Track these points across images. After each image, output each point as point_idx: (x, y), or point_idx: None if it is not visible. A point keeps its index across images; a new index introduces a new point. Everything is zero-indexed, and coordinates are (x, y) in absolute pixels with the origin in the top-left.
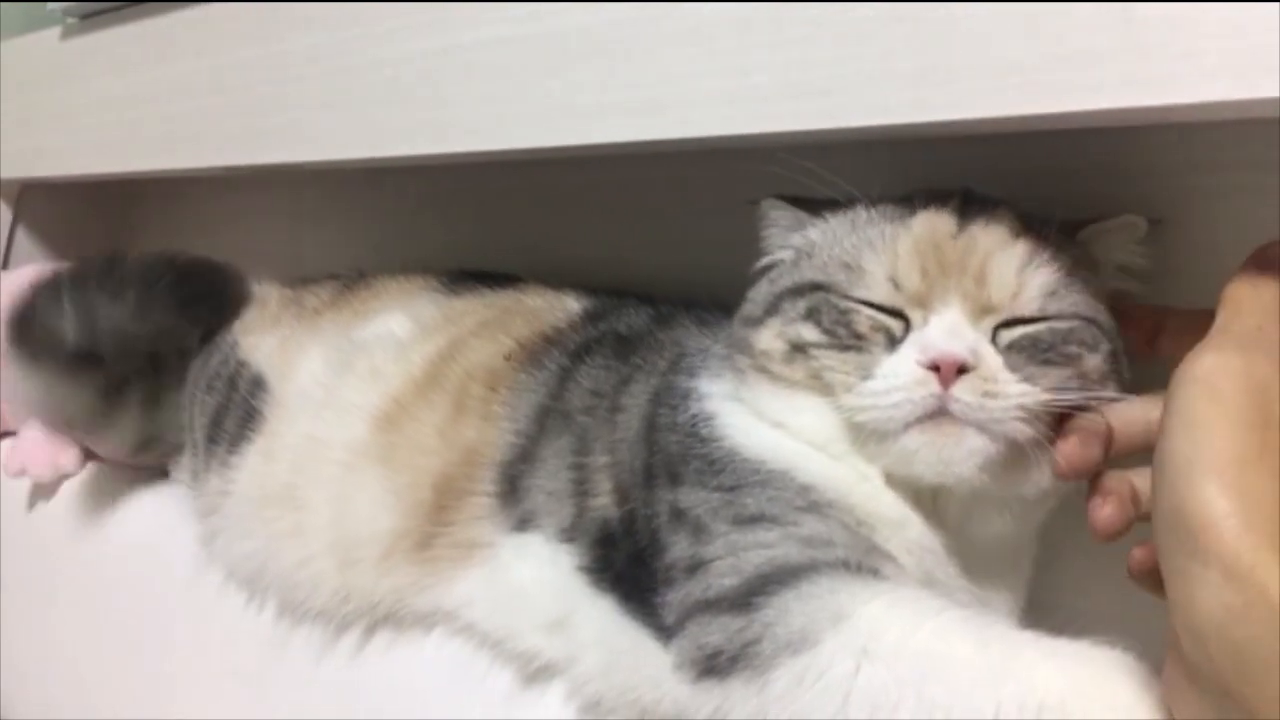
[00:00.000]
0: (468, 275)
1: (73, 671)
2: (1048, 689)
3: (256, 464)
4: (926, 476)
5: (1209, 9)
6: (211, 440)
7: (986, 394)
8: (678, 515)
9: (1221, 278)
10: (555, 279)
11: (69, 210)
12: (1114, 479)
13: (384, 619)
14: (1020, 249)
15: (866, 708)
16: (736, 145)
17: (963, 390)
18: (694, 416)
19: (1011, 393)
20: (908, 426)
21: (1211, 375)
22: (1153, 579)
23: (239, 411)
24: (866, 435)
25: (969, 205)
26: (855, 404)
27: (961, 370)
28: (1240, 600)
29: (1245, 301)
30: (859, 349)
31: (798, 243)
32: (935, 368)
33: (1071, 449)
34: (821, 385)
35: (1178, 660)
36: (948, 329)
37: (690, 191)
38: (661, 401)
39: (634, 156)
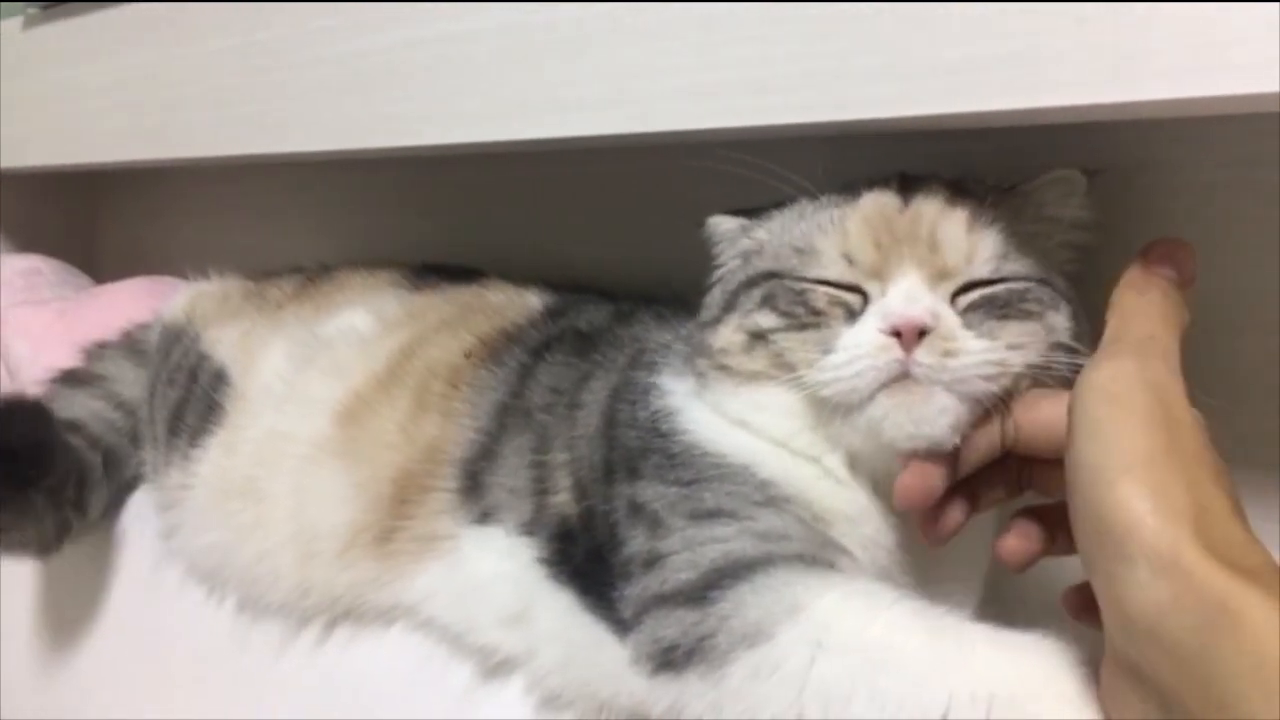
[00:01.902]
0: (431, 270)
1: (35, 670)
2: (999, 681)
3: (217, 457)
4: (899, 441)
5: (1158, 9)
6: (172, 433)
7: (947, 353)
8: (636, 510)
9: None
10: (520, 272)
11: (33, 202)
12: (1025, 512)
13: (344, 614)
14: (965, 213)
15: (821, 700)
16: (699, 140)
17: (923, 353)
18: (655, 413)
19: (972, 349)
20: (874, 394)
21: (1109, 381)
22: (1090, 616)
23: (200, 405)
24: (831, 412)
25: (907, 182)
26: (818, 379)
27: (923, 334)
28: (1169, 595)
29: (1132, 311)
30: (817, 325)
31: (746, 245)
32: (896, 333)
33: (907, 480)
34: (784, 367)
35: (1115, 665)
36: (905, 294)
37: (656, 187)
38: (621, 397)
39: (599, 151)
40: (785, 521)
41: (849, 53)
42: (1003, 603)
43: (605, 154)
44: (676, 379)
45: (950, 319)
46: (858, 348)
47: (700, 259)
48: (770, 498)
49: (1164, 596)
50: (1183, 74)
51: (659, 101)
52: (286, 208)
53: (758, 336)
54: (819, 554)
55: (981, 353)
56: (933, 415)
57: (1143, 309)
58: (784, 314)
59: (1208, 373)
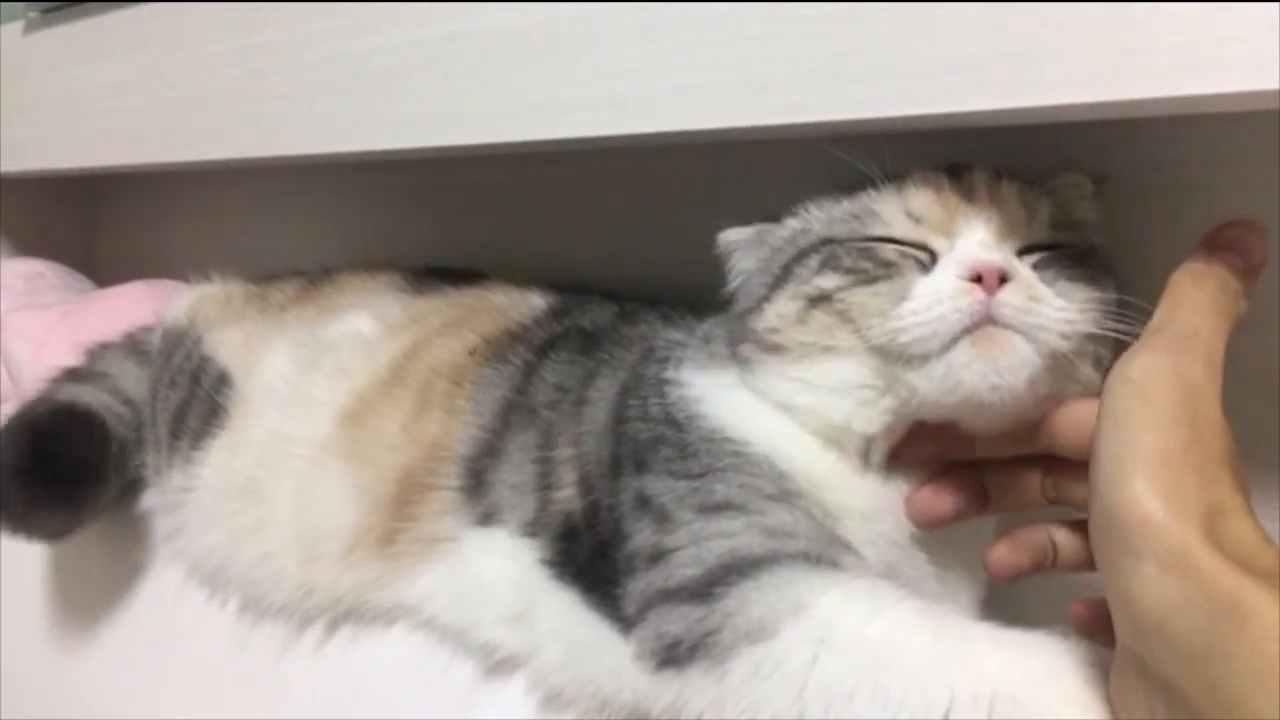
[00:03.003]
0: (432, 273)
1: (36, 670)
2: (1001, 680)
3: (220, 459)
4: (980, 391)
5: (1157, 7)
6: (174, 436)
7: (1031, 298)
8: (642, 503)
9: None
10: (522, 274)
11: (34, 205)
12: (1027, 527)
13: (346, 613)
14: (1018, 184)
15: (823, 697)
16: (700, 140)
17: (1009, 295)
18: (670, 405)
19: (1054, 301)
20: (955, 340)
21: (1142, 375)
22: (1096, 630)
23: (202, 407)
24: (905, 363)
25: (949, 167)
26: (894, 325)
27: (1003, 281)
28: (1178, 592)
29: (1184, 299)
30: (889, 277)
31: (782, 235)
32: (977, 279)
33: (923, 499)
34: (846, 326)
35: (1124, 661)
36: (980, 243)
37: (655, 187)
38: (631, 393)
39: (598, 152)
40: (794, 517)
41: (848, 52)
42: (1007, 602)
43: (605, 155)
44: (698, 372)
45: (1026, 271)
46: (937, 293)
47: (702, 259)
48: (784, 491)
49: (1172, 593)
50: (1182, 72)
51: (658, 102)
52: (287, 210)
53: (818, 300)
54: (825, 552)
55: (1062, 309)
56: (1016, 365)
57: (1194, 299)
58: (849, 271)
59: None
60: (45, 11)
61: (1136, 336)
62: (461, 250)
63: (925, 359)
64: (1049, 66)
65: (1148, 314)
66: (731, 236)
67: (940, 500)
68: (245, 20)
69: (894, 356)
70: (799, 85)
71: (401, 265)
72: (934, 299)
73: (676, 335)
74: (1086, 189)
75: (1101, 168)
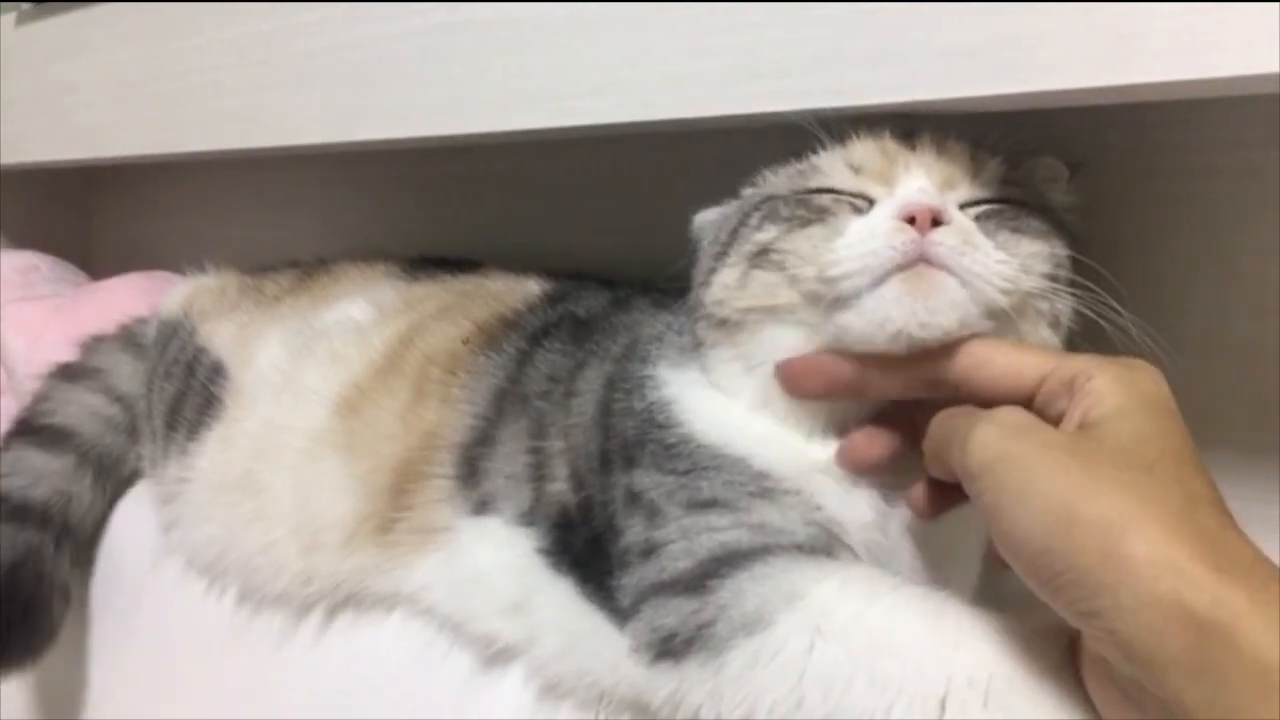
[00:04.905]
0: (428, 261)
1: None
2: (998, 663)
3: (216, 450)
4: (909, 326)
5: None
6: (170, 427)
7: (967, 243)
8: (633, 499)
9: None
10: (516, 263)
11: (28, 198)
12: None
13: (345, 599)
14: (965, 143)
15: (821, 685)
16: (693, 128)
17: (943, 235)
18: (651, 404)
19: (991, 252)
20: (886, 276)
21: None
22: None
23: (198, 398)
24: (837, 305)
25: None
26: (827, 260)
27: (937, 224)
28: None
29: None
30: (823, 221)
31: (735, 204)
32: (910, 220)
33: (857, 445)
34: (786, 284)
35: (1105, 675)
36: (917, 188)
37: (650, 176)
38: (616, 387)
39: (592, 141)
40: (781, 513)
41: (844, 37)
42: (999, 588)
43: (600, 144)
44: (672, 370)
45: (965, 220)
46: (870, 230)
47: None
48: (765, 489)
49: (1155, 620)
50: (1181, 55)
51: (654, 90)
52: (282, 202)
53: (757, 257)
54: (817, 543)
55: (1002, 261)
56: (946, 306)
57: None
58: (785, 219)
59: (1210, 354)
60: (37, 2)
61: (1088, 304)
62: (457, 240)
63: (856, 296)
64: (1046, 51)
65: (1104, 279)
66: (701, 219)
67: (874, 444)
68: (238, 11)
69: (826, 301)
70: (795, 72)
71: (398, 255)
72: (867, 235)
73: (659, 327)
74: (1060, 172)
75: (1099, 153)
